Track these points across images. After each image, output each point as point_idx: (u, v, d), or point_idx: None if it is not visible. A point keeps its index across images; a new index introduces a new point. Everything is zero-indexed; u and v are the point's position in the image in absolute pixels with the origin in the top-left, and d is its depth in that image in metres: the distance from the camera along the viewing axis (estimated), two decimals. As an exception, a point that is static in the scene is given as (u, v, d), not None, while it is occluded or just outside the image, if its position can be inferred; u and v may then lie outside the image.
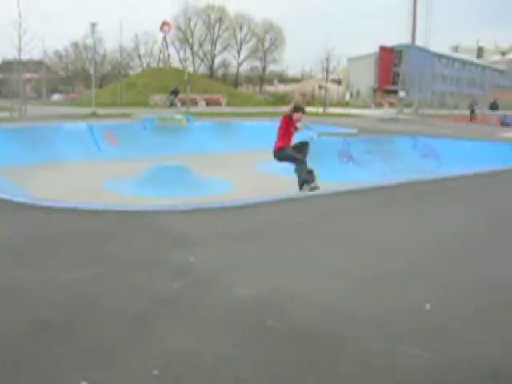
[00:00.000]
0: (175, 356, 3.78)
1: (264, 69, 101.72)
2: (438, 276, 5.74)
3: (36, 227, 7.35)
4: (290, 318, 4.48)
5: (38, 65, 61.59)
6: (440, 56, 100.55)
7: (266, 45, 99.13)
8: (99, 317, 4.42)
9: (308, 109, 49.64)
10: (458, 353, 3.96)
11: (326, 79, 56.51)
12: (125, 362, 3.69)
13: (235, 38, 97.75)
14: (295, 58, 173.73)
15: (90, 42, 56.20)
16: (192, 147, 21.79)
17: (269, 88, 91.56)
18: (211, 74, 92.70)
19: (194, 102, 49.55)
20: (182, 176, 13.89)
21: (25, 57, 32.16)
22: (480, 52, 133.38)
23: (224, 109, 48.40)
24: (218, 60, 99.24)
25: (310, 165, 12.16)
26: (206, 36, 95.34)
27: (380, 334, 4.23)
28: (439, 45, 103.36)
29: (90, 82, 44.60)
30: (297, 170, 11.77)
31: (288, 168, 12.75)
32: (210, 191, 13.22)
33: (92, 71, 43.57)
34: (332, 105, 55.58)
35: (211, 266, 5.77)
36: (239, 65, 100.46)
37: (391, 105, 64.44)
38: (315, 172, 11.86)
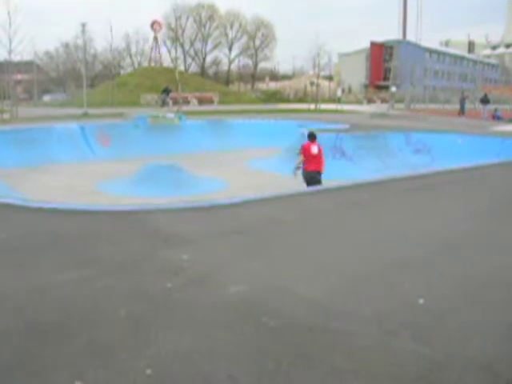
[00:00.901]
0: (168, 355, 3.78)
1: (255, 66, 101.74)
2: (431, 271, 5.75)
3: (28, 229, 7.32)
4: (284, 314, 4.49)
5: (28, 66, 61.43)
6: (431, 51, 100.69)
7: (257, 42, 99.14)
8: (92, 317, 4.42)
9: (300, 105, 49.71)
10: (453, 348, 3.98)
11: (318, 76, 56.51)
12: (118, 361, 3.69)
13: (226, 35, 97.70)
14: (286, 55, 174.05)
15: (80, 42, 56.02)
16: (184, 146, 21.80)
17: (260, 85, 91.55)
18: (203, 73, 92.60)
19: (186, 101, 49.50)
20: (175, 175, 13.90)
21: (15, 58, 32.06)
22: (471, 46, 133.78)
23: (216, 107, 48.35)
24: (209, 58, 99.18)
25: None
26: (196, 34, 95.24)
27: (374, 330, 4.24)
28: (430, 40, 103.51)
29: (81, 82, 44.39)
30: None
31: (279, 165, 12.79)
32: (203, 189, 13.23)
33: (83, 71, 43.39)
34: (324, 101, 55.58)
35: (204, 264, 5.77)
36: (230, 62, 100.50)
37: (383, 100, 64.52)
38: None
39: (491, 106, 39.25)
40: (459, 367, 3.68)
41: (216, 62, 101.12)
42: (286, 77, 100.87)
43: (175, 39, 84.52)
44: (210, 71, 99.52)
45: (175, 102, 41.62)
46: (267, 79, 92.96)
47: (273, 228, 7.51)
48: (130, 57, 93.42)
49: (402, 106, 49.05)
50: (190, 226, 7.49)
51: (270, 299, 4.80)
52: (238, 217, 8.23)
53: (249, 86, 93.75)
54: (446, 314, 4.59)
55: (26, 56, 46.70)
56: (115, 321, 4.34)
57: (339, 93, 58.59)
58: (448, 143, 20.04)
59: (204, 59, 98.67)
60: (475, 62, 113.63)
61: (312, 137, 12.25)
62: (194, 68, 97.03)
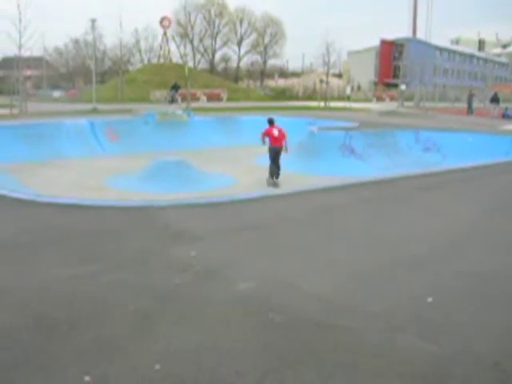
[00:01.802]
0: (177, 351, 3.79)
1: (265, 63, 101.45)
2: (439, 268, 5.74)
3: (37, 223, 7.36)
4: (291, 310, 4.49)
5: (38, 61, 61.57)
6: (441, 49, 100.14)
7: (267, 39, 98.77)
8: (100, 313, 4.43)
9: (309, 103, 49.61)
10: (461, 345, 3.96)
11: (327, 73, 56.31)
12: (127, 357, 3.70)
13: (235, 32, 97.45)
14: (296, 52, 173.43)
15: (90, 38, 56.07)
16: (193, 142, 21.76)
17: (269, 82, 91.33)
18: (212, 69, 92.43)
19: (195, 98, 49.43)
20: (183, 171, 13.87)
21: (25, 53, 32.08)
22: (481, 45, 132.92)
23: (225, 104, 48.30)
24: (218, 55, 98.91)
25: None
26: (206, 31, 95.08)
27: (382, 326, 4.23)
28: (440, 38, 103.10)
29: (90, 78, 44.41)
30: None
31: (289, 163, 12.77)
32: (212, 185, 13.20)
33: (92, 67, 43.41)
34: (333, 99, 55.37)
35: (212, 261, 5.78)
36: (240, 59, 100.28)
37: (392, 98, 64.20)
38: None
39: (501, 105, 38.97)
40: (467, 364, 3.66)
41: (225, 59, 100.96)
42: (295, 74, 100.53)
43: (184, 35, 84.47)
44: (219, 68, 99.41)
45: (184, 99, 41.63)
46: (276, 76, 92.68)
47: (281, 224, 7.51)
48: (140, 53, 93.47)
49: (411, 103, 48.84)
50: (199, 222, 7.49)
51: (277, 296, 4.80)
52: (247, 214, 8.23)
53: (258, 83, 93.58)
54: (454, 311, 4.58)
55: (36, 52, 46.74)
56: (123, 316, 4.35)
57: (348, 90, 58.33)
58: (458, 141, 19.91)
59: (213, 56, 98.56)
60: (485, 61, 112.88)
61: (271, 122, 14.50)
62: (203, 64, 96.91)
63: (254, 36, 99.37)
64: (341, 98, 60.92)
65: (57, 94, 66.89)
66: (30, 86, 58.26)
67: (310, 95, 64.59)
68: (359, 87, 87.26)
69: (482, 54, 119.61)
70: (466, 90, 51.74)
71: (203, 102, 50.40)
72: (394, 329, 4.18)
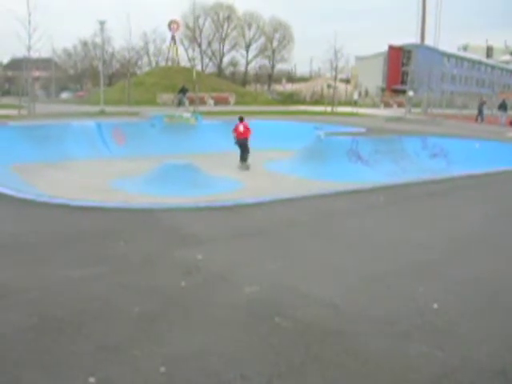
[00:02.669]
0: (182, 354, 3.79)
1: (272, 67, 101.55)
2: (446, 274, 5.72)
3: (45, 225, 7.38)
4: (297, 315, 4.48)
5: (46, 63, 61.80)
6: (449, 55, 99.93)
7: (275, 43, 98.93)
8: (107, 315, 4.44)
9: (316, 108, 49.61)
10: (467, 352, 3.94)
11: (335, 78, 56.30)
12: (132, 359, 3.70)
13: (243, 36, 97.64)
14: (304, 57, 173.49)
15: (98, 40, 56.22)
16: (200, 145, 21.77)
17: (277, 87, 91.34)
18: (219, 73, 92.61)
19: (203, 101, 49.50)
20: (190, 174, 13.89)
21: (34, 55, 32.23)
22: (489, 52, 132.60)
23: (232, 108, 48.34)
24: (226, 59, 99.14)
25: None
26: (214, 35, 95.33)
27: (387, 332, 4.22)
28: (448, 44, 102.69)
29: (98, 80, 44.57)
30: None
31: (295, 167, 12.78)
32: (218, 189, 13.21)
33: (101, 69, 43.55)
34: (340, 104, 55.34)
35: (219, 265, 5.78)
36: (248, 63, 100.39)
37: (400, 104, 64.09)
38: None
39: (510, 112, 38.82)
40: (473, 372, 3.65)
41: (233, 63, 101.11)
42: (303, 79, 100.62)
43: (193, 39, 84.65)
44: (227, 72, 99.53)
45: (192, 102, 41.67)
46: (284, 81, 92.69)
47: (288, 229, 7.50)
48: (148, 56, 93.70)
49: (419, 110, 48.75)
50: (205, 226, 7.50)
51: (283, 300, 4.80)
52: (254, 218, 8.23)
53: (265, 87, 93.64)
54: (460, 318, 4.56)
55: (45, 53, 46.87)
56: (129, 318, 4.35)
57: (356, 96, 58.31)
58: (465, 148, 19.86)
59: (221, 59, 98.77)
60: (493, 68, 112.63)
61: (240, 119, 18.09)
62: (211, 68, 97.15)
63: (262, 40, 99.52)
64: (348, 103, 60.88)
65: (65, 95, 67.19)
66: (39, 88, 58.48)
67: (318, 100, 64.59)
68: (367, 93, 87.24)
69: (490, 61, 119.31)
70: (474, 97, 51.63)
71: (210, 106, 50.43)
72: (399, 335, 4.17)
